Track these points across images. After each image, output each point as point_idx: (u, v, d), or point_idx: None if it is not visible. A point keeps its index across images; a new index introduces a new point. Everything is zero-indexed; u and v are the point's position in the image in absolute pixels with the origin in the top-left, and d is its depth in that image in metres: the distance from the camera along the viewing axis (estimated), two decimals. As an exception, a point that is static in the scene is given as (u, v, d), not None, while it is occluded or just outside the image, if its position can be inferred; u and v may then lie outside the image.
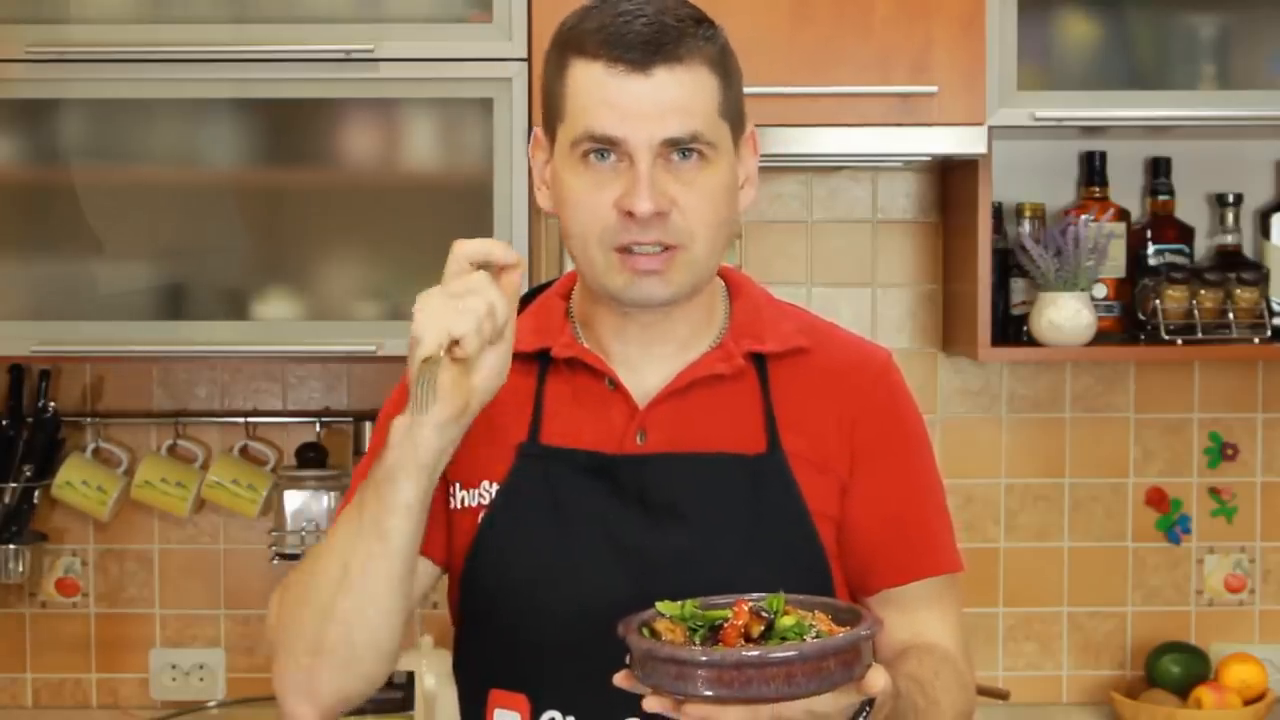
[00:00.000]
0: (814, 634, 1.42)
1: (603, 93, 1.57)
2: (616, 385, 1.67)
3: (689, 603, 1.47)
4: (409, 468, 1.55)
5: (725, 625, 1.43)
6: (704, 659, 1.38)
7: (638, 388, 1.68)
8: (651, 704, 1.42)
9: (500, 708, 1.66)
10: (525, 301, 1.76)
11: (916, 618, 1.72)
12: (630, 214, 1.57)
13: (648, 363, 1.68)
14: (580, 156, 1.60)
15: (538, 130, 1.68)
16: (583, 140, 1.58)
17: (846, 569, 1.71)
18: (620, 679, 1.45)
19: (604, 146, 1.58)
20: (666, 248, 1.59)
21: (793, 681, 1.37)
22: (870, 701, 1.48)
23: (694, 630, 1.44)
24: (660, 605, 1.47)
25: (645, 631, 1.45)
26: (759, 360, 1.69)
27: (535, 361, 1.70)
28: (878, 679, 1.43)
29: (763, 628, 1.43)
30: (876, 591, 1.73)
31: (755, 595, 1.47)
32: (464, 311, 1.50)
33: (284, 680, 1.64)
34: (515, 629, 1.65)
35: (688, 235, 1.59)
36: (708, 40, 1.60)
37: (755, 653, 1.38)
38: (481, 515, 1.67)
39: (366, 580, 1.57)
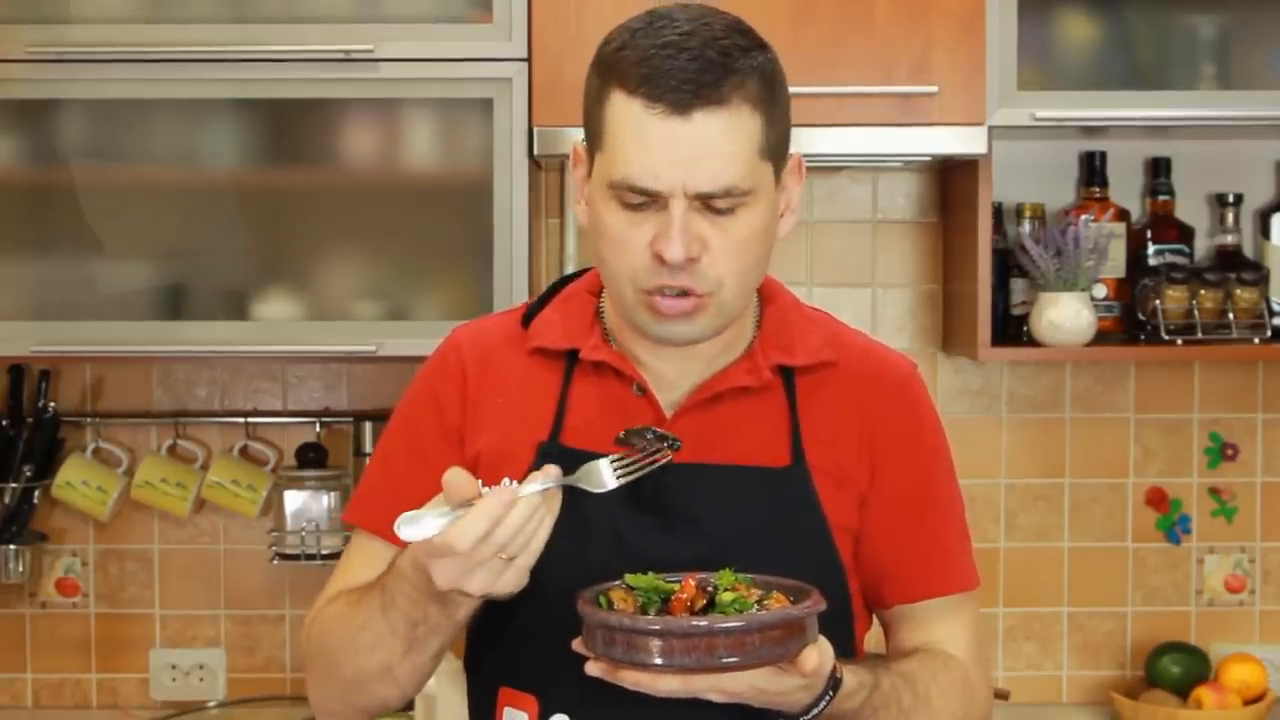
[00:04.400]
0: (755, 610, 1.46)
1: (639, 135, 1.53)
2: (644, 391, 1.67)
3: (652, 575, 1.51)
4: (447, 627, 1.58)
5: (673, 598, 1.48)
6: (624, 626, 1.43)
7: (664, 395, 1.67)
8: (592, 668, 1.47)
9: (510, 706, 1.67)
10: (551, 292, 1.77)
11: (929, 632, 1.72)
12: (661, 257, 1.55)
13: (676, 370, 1.68)
14: (616, 196, 1.57)
15: (578, 145, 1.65)
16: (618, 185, 1.55)
17: (861, 581, 1.71)
18: (576, 644, 1.49)
19: (639, 194, 1.55)
20: (694, 294, 1.57)
21: (714, 653, 1.41)
22: (834, 686, 1.50)
23: (650, 602, 1.49)
24: (629, 577, 1.51)
25: (603, 600, 1.49)
26: (786, 372, 1.69)
27: (562, 359, 1.70)
28: (809, 658, 1.45)
29: (704, 601, 1.48)
30: (890, 606, 1.73)
31: (709, 572, 1.52)
32: (514, 571, 1.48)
33: (313, 700, 1.77)
34: (527, 630, 1.65)
35: (716, 282, 1.57)
36: (754, 73, 1.55)
37: (663, 624, 1.42)
38: None
39: (414, 676, 1.65)
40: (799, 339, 1.71)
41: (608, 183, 1.56)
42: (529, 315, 1.75)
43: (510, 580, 1.47)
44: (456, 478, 1.46)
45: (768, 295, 1.73)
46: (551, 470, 1.48)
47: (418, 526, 1.44)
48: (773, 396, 1.68)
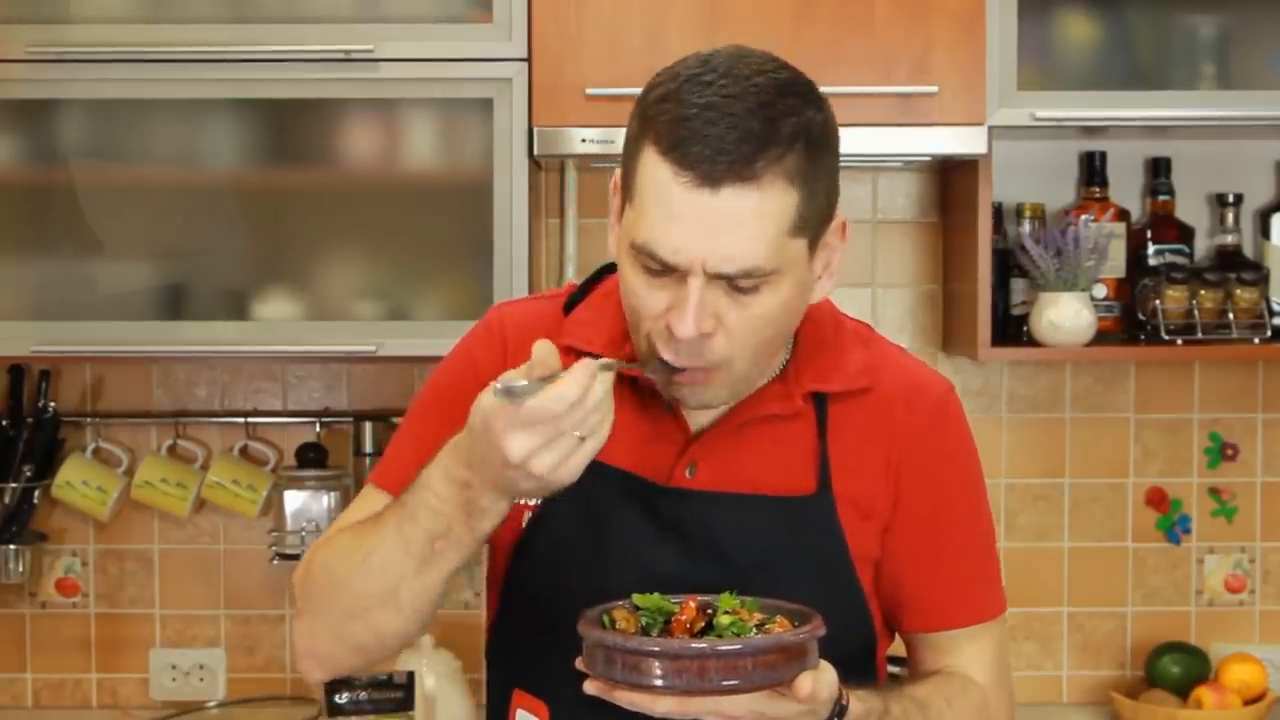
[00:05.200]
0: (753, 634, 1.45)
1: (665, 203, 1.47)
2: (674, 409, 1.64)
3: (658, 595, 1.50)
4: (468, 542, 1.52)
5: (674, 619, 1.48)
6: (618, 646, 1.43)
7: (694, 415, 1.64)
8: (589, 687, 1.46)
9: (523, 709, 1.67)
10: (597, 277, 1.74)
11: (951, 658, 1.70)
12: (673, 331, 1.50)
13: None
14: (637, 258, 1.52)
15: (616, 175, 1.58)
16: (640, 250, 1.50)
17: (881, 605, 1.69)
18: (579, 661, 1.47)
19: (658, 263, 1.50)
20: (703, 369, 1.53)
21: (706, 676, 1.40)
22: (840, 713, 1.48)
23: (653, 623, 1.48)
24: (635, 597, 1.51)
25: (606, 618, 1.49)
26: (818, 397, 1.65)
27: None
28: (803, 684, 1.42)
29: (704, 624, 1.47)
30: (910, 633, 1.72)
31: (712, 594, 1.51)
32: (581, 454, 1.42)
33: (302, 642, 1.67)
34: (543, 638, 1.64)
35: (725, 359, 1.53)
36: (798, 141, 1.47)
37: (655, 645, 1.42)
38: (526, 516, 1.66)
39: (421, 602, 1.57)
40: (835, 362, 1.66)
41: (631, 242, 1.52)
42: (570, 304, 1.72)
43: (576, 465, 1.42)
44: (545, 349, 1.43)
45: (805, 314, 1.64)
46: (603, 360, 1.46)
47: (513, 391, 1.39)
48: (803, 423, 1.65)
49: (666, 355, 1.53)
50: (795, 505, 1.63)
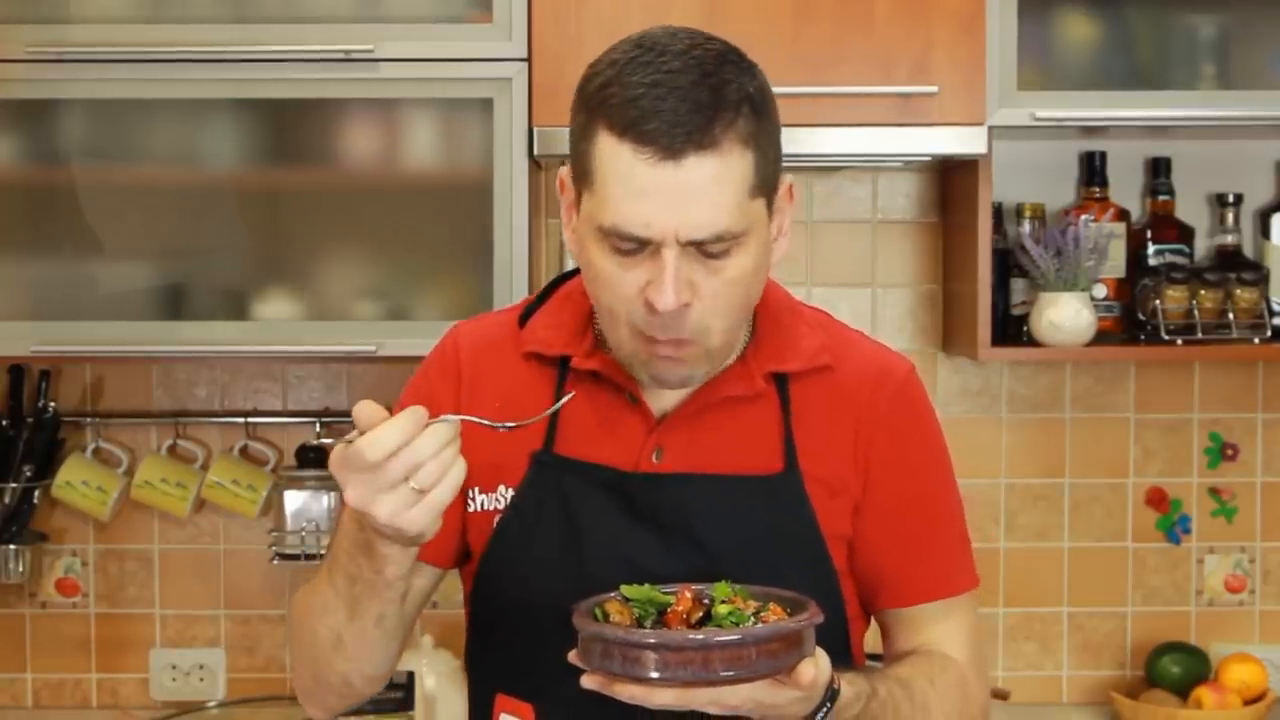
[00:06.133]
0: (751, 623, 1.45)
1: (629, 181, 1.49)
2: (637, 400, 1.65)
3: (649, 586, 1.50)
4: (379, 586, 1.56)
5: (669, 610, 1.47)
6: (619, 639, 1.42)
7: (656, 403, 1.66)
8: (588, 681, 1.45)
9: (506, 713, 1.67)
10: (551, 288, 1.75)
11: (926, 634, 1.71)
12: (653, 306, 1.52)
13: None
14: (606, 241, 1.53)
15: (563, 173, 1.61)
16: (609, 232, 1.52)
17: (856, 585, 1.70)
18: (572, 655, 1.47)
19: (630, 241, 1.52)
20: (685, 343, 1.55)
21: (710, 667, 1.40)
22: (832, 697, 1.49)
23: (645, 614, 1.48)
24: (625, 589, 1.50)
25: (599, 612, 1.48)
26: (780, 378, 1.67)
27: (555, 364, 1.68)
28: (806, 671, 1.43)
29: (701, 614, 1.47)
30: (885, 610, 1.73)
31: (704, 583, 1.51)
32: (424, 507, 1.43)
33: (296, 684, 1.76)
34: (523, 639, 1.65)
35: (704, 329, 1.55)
36: (745, 105, 1.51)
37: (659, 638, 1.41)
38: (497, 520, 1.67)
39: (363, 646, 1.62)
40: (793, 344, 1.68)
41: (597, 227, 1.53)
42: (526, 314, 1.73)
43: (420, 517, 1.42)
44: (365, 410, 1.44)
45: (762, 300, 1.68)
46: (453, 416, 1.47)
47: (349, 440, 1.41)
48: (766, 403, 1.66)
49: (651, 330, 1.54)
50: (764, 484, 1.64)
